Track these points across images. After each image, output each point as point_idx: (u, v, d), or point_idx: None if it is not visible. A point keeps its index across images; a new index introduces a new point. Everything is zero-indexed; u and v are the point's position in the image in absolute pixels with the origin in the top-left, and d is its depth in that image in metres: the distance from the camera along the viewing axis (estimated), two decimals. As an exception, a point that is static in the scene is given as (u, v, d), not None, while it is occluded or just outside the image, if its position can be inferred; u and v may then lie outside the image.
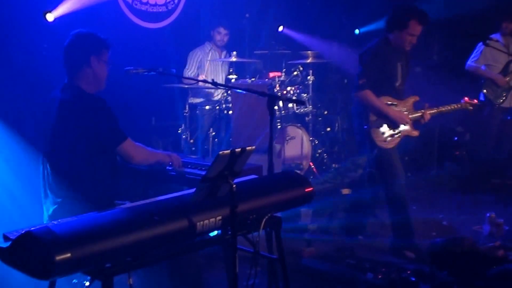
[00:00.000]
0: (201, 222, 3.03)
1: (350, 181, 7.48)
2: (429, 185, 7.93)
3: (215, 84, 4.24)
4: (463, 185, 7.83)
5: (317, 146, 7.97)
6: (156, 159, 4.06)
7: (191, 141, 7.43)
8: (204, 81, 4.34)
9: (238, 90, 4.81)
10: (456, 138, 8.86)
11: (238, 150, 2.96)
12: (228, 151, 2.93)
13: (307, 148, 7.37)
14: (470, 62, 7.80)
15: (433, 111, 5.82)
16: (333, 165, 8.13)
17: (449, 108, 6.00)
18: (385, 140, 5.57)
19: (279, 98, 4.27)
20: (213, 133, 7.35)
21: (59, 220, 2.87)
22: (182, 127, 7.54)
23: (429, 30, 9.17)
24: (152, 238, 2.82)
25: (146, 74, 4.28)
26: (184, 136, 7.48)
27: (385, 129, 5.58)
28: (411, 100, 5.75)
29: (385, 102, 5.57)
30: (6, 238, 2.77)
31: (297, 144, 7.30)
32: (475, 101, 6.25)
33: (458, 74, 8.23)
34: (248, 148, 3.01)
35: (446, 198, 7.43)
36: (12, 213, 5.02)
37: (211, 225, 3.10)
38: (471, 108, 6.16)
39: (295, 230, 5.96)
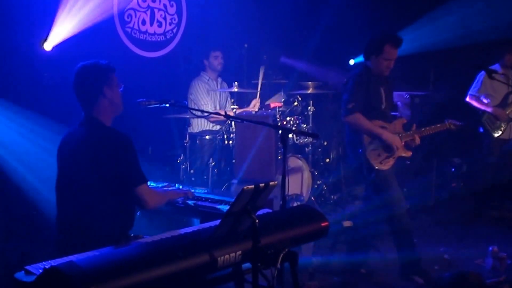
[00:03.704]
0: (222, 257, 3.01)
1: (350, 213, 7.45)
2: (427, 217, 7.93)
3: (227, 117, 4.23)
4: (461, 217, 7.84)
5: (316, 177, 7.94)
6: (167, 199, 4.03)
7: (192, 171, 7.37)
8: (217, 113, 4.31)
9: (250, 122, 4.76)
10: (453, 170, 8.89)
11: (262, 185, 2.96)
12: (252, 186, 2.92)
13: (307, 179, 7.34)
14: (470, 93, 7.85)
15: (421, 133, 5.85)
16: (332, 196, 8.11)
17: (434, 129, 6.01)
18: (381, 162, 5.61)
19: (292, 131, 4.26)
20: (213, 163, 7.29)
21: (82, 254, 2.83)
22: (181, 157, 7.48)
23: (426, 60, 9.31)
24: (175, 273, 2.78)
25: (158, 106, 4.27)
26: (183, 166, 7.42)
27: (380, 151, 5.62)
28: (399, 122, 5.82)
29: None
30: (28, 272, 2.73)
31: (298, 175, 7.26)
32: (458, 123, 6.23)
33: (456, 105, 8.27)
34: (271, 183, 3.00)
35: (445, 230, 7.41)
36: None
37: (231, 260, 3.07)
38: (453, 127, 6.15)
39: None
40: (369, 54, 5.74)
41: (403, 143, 5.69)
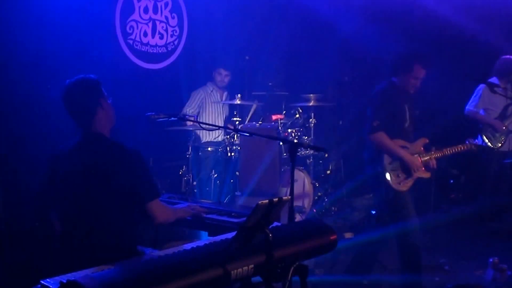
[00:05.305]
0: (235, 271, 3.03)
1: (351, 224, 7.49)
2: (426, 228, 7.95)
3: (236, 131, 4.28)
4: (460, 228, 7.87)
5: (317, 188, 7.98)
6: (177, 217, 4.05)
7: (194, 183, 7.40)
8: (226, 128, 4.35)
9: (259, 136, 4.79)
10: (451, 181, 8.93)
11: (275, 199, 2.99)
12: (267, 201, 2.95)
13: (309, 191, 7.38)
14: (469, 107, 7.86)
15: (438, 155, 5.83)
16: (333, 208, 8.15)
17: (454, 150, 6.00)
18: (399, 183, 5.58)
19: (302, 146, 4.26)
20: (215, 175, 7.33)
21: (98, 268, 2.86)
22: (184, 169, 7.52)
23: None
24: (191, 286, 2.81)
25: (166, 119, 4.31)
26: (185, 178, 7.44)
27: (399, 171, 5.59)
28: (421, 142, 5.76)
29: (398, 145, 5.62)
30: (44, 286, 2.76)
31: (300, 187, 7.30)
32: (479, 143, 6.27)
33: (456, 118, 8.30)
34: (284, 198, 3.04)
35: (444, 242, 7.44)
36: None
37: (244, 274, 3.09)
38: (475, 148, 6.19)
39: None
40: (397, 71, 5.69)
41: (422, 165, 5.67)
